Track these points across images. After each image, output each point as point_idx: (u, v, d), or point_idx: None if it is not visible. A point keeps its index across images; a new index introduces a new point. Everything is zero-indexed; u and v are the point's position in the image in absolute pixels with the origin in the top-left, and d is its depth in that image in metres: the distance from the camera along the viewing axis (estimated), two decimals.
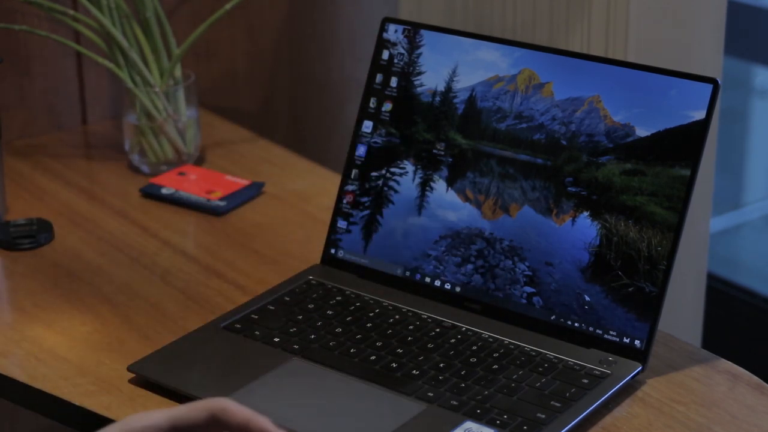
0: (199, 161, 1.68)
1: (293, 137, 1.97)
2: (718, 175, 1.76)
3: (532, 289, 1.24)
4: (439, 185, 1.31)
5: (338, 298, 1.30)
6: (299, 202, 1.57)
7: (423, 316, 1.26)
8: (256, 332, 1.24)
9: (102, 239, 1.48)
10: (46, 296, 1.35)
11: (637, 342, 1.19)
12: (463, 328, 1.24)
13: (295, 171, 1.66)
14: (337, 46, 1.98)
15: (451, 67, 1.32)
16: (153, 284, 1.37)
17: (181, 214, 1.54)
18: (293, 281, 1.33)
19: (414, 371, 1.17)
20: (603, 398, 1.13)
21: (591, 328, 1.21)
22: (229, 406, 0.87)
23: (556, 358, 1.19)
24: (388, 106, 1.35)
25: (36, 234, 1.46)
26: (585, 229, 1.23)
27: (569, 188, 1.24)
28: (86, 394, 1.17)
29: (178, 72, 1.64)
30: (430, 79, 1.33)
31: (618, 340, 1.19)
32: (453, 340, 1.22)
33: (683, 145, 1.19)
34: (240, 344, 1.23)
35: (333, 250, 1.36)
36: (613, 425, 1.12)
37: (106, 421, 1.14)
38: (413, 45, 1.34)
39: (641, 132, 1.21)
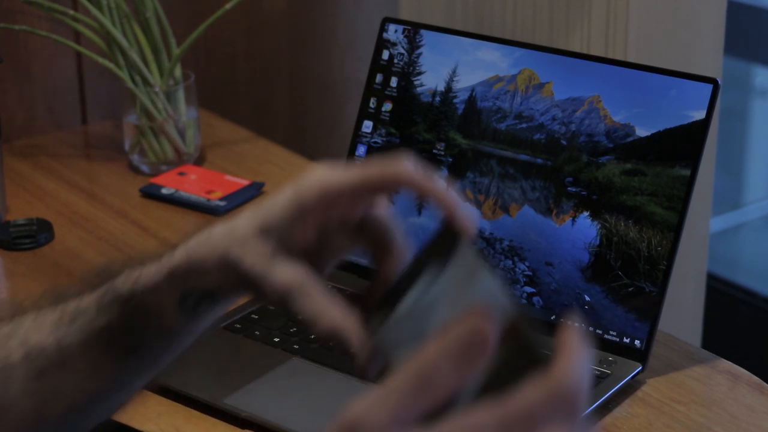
0: (199, 161, 1.68)
1: (293, 137, 1.96)
2: (718, 175, 1.76)
3: (532, 289, 1.24)
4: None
5: None
6: None
7: None
8: (256, 332, 1.24)
9: (102, 239, 1.47)
10: None
11: (637, 342, 1.18)
12: None
13: (295, 171, 1.66)
14: (337, 46, 1.98)
15: (451, 67, 1.31)
16: None
17: (181, 214, 1.54)
18: None
19: None
20: (603, 398, 1.13)
21: (591, 328, 1.21)
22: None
23: None
24: (388, 106, 1.35)
25: (36, 234, 1.46)
26: (585, 229, 1.23)
27: (569, 188, 1.24)
28: None
29: (178, 72, 1.64)
30: (430, 79, 1.32)
31: (618, 340, 1.19)
32: None
33: (683, 145, 1.19)
34: (240, 344, 1.23)
35: None
36: (613, 425, 1.12)
37: (106, 421, 1.14)
38: (413, 45, 1.34)
39: (641, 132, 1.21)
